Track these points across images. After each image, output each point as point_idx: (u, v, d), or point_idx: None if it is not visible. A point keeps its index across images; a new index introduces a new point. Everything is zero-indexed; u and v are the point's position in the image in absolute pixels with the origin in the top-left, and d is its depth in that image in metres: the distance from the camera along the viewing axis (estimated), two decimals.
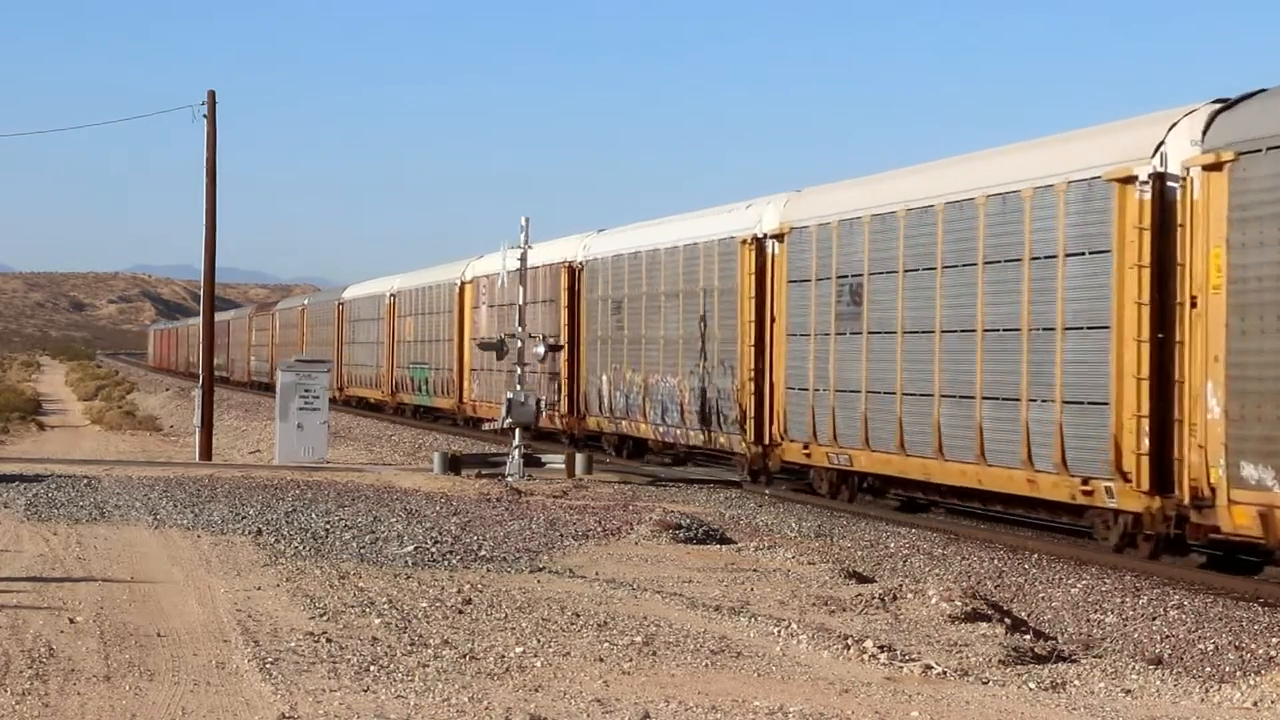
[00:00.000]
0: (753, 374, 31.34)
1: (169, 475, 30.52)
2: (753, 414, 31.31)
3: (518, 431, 33.64)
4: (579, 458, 33.70)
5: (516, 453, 33.07)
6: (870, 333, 27.07)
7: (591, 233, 42.96)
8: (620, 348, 38.48)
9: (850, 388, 27.71)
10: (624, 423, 38.31)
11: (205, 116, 39.33)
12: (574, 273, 42.04)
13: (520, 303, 35.44)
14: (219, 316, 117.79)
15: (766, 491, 31.06)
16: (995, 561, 21.64)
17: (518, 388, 34.15)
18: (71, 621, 13.98)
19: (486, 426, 41.29)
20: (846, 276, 27.98)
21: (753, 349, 31.39)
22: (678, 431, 35.29)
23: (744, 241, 31.92)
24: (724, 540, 22.41)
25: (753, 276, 31.48)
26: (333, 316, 75.54)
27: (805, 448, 29.28)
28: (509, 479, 31.71)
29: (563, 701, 11.27)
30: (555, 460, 34.22)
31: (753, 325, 31.40)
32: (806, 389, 29.21)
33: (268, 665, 12.16)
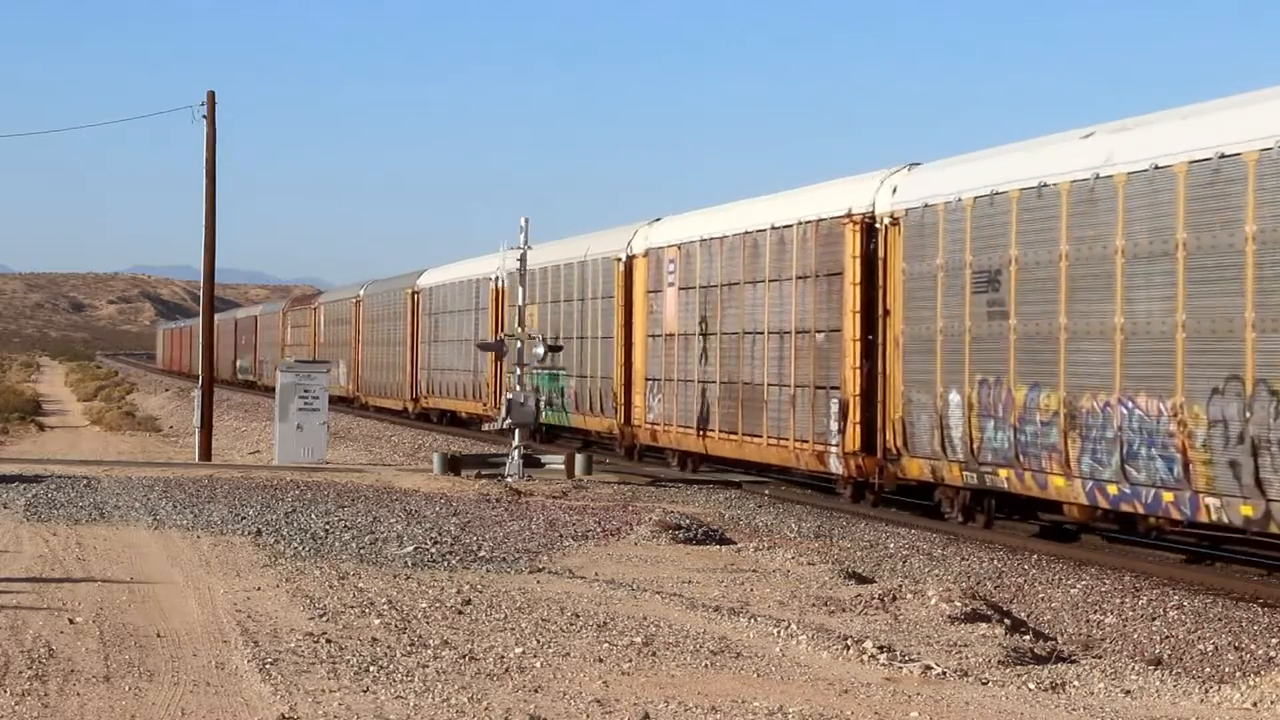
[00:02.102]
0: None
1: (169, 476, 30.52)
2: None
3: (517, 432, 33.63)
4: (579, 458, 33.68)
5: (516, 453, 33.06)
6: None
7: (900, 168, 27.47)
8: (996, 346, 23.68)
9: None
10: (1003, 472, 23.41)
11: (205, 117, 39.35)
12: (870, 231, 27.12)
13: (520, 303, 35.42)
14: (245, 312, 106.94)
15: (766, 492, 31.02)
16: (995, 562, 21.64)
17: (517, 388, 34.14)
18: (71, 622, 13.97)
19: (487, 427, 40.32)
20: None
21: None
22: (1163, 496, 20.16)
23: None
24: (724, 541, 22.42)
25: None
26: (402, 308, 61.22)
27: None
28: (509, 480, 31.71)
29: (562, 702, 11.27)
30: (555, 461, 34.21)
31: None
32: None
33: (267, 666, 12.16)
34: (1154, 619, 17.39)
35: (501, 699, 11.28)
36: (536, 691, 11.59)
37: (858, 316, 27.08)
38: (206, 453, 37.35)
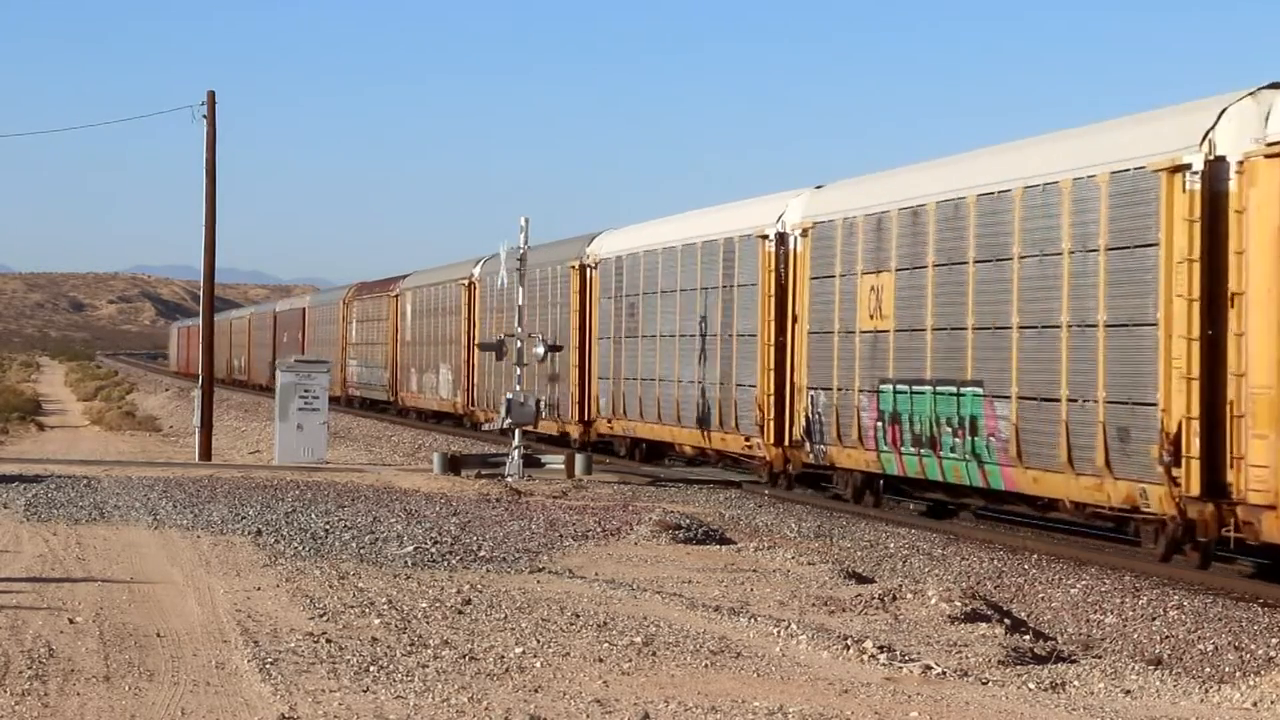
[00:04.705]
0: None
1: (169, 476, 30.51)
2: None
3: (518, 432, 33.61)
4: (579, 458, 33.67)
5: (516, 453, 33.05)
6: None
7: None
8: None
9: None
10: None
11: (205, 117, 39.35)
12: None
13: (520, 302, 35.32)
14: (289, 305, 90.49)
15: (766, 492, 31.00)
16: (995, 561, 21.63)
17: (517, 388, 34.11)
18: (71, 622, 13.98)
19: (486, 427, 39.09)
20: None
21: None
22: None
23: None
24: (724, 540, 22.42)
25: None
26: (562, 290, 42.24)
27: None
28: (509, 479, 31.71)
29: (562, 702, 11.27)
30: (555, 461, 34.20)
31: None
32: None
33: (267, 666, 12.16)
34: (1154, 619, 17.39)
35: (501, 699, 11.28)
36: (536, 691, 11.59)
37: None
38: (206, 453, 37.35)
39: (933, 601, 16.66)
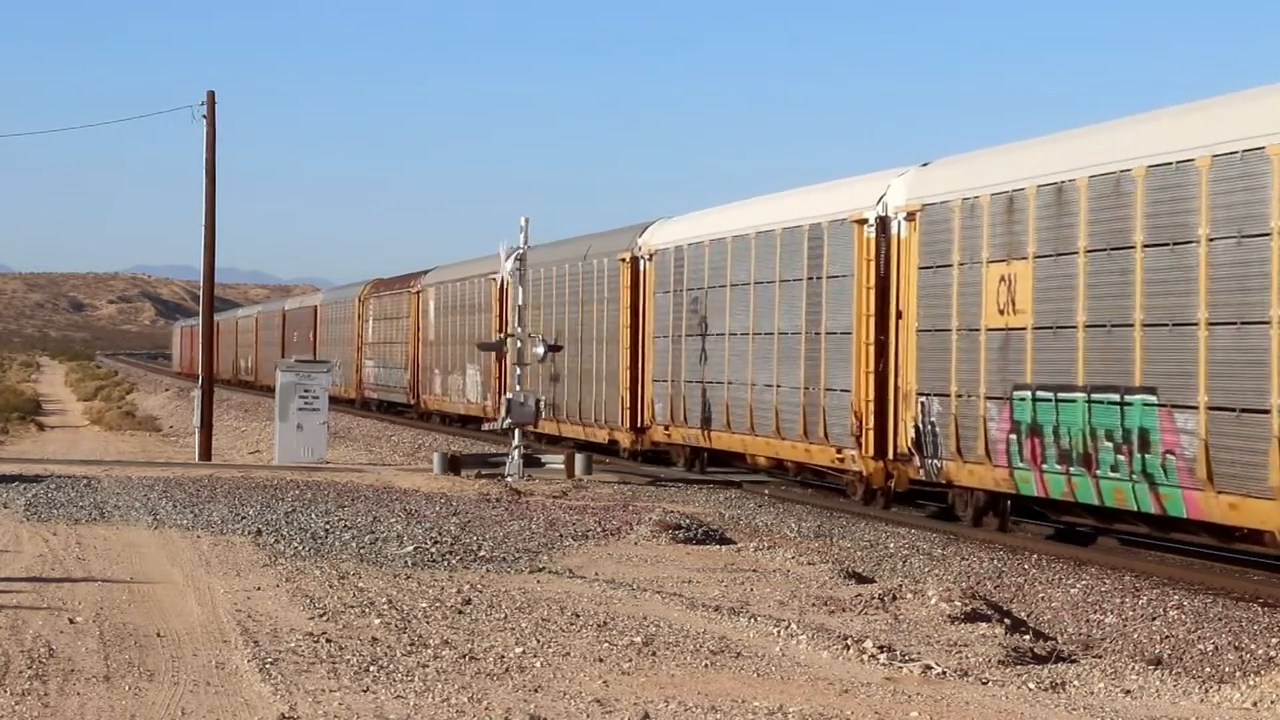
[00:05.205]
0: None
1: (169, 475, 30.51)
2: None
3: (517, 432, 33.60)
4: (579, 458, 33.66)
5: (516, 453, 33.05)
6: None
7: None
8: None
9: None
10: None
11: (205, 117, 39.36)
12: None
13: (520, 303, 35.29)
14: (298, 303, 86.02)
15: (766, 492, 31.01)
16: (995, 561, 21.63)
17: (517, 388, 34.10)
18: (71, 621, 13.98)
19: (487, 427, 39.20)
20: None
21: None
22: None
23: None
24: (724, 540, 22.41)
25: None
26: (609, 287, 38.91)
27: None
28: (509, 479, 31.70)
29: (562, 701, 11.27)
30: (555, 460, 34.19)
31: None
32: None
33: (267, 665, 12.16)
34: (1154, 619, 17.39)
35: (501, 699, 11.28)
36: (536, 691, 11.59)
37: None
38: (206, 453, 37.35)
39: (933, 601, 16.66)
